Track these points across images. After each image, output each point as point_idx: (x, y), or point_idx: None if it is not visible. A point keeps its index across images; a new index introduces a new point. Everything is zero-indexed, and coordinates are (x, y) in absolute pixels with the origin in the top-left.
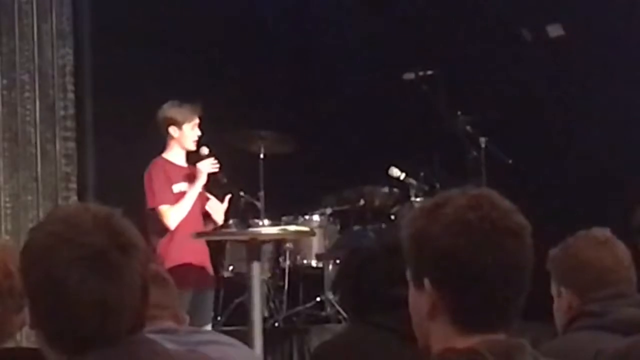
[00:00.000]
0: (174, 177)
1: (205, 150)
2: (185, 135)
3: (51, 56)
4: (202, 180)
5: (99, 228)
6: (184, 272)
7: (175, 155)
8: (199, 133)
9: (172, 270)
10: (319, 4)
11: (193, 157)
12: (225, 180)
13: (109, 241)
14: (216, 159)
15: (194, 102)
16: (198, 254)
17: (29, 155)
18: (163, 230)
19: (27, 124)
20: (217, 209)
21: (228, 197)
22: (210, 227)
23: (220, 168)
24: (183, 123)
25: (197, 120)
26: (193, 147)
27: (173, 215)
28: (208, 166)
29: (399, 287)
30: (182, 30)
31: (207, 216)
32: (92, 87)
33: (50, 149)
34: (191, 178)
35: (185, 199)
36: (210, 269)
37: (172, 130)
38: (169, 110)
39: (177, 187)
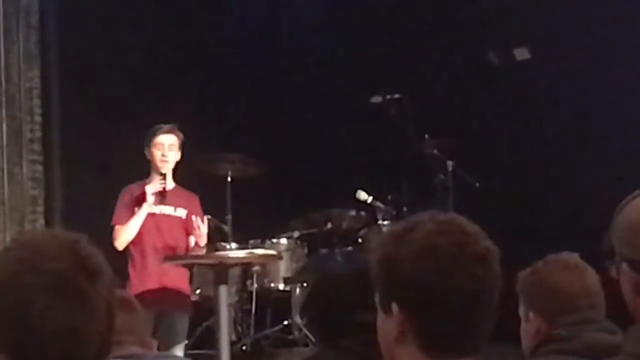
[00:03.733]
0: (140, 199)
1: (163, 170)
2: (153, 156)
3: (18, 79)
4: (148, 201)
5: (64, 254)
6: (145, 294)
7: (152, 178)
8: (165, 153)
9: (133, 292)
10: (286, 26)
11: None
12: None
13: (74, 267)
14: (164, 179)
15: (174, 123)
16: (164, 276)
17: None
18: (128, 253)
19: None
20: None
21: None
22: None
23: (163, 188)
24: (149, 144)
25: (161, 140)
26: (162, 168)
27: (119, 235)
28: (154, 186)
29: (367, 311)
30: (150, 55)
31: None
32: (59, 110)
33: (17, 172)
34: (160, 200)
35: (133, 219)
36: (179, 292)
37: (146, 152)
38: (144, 133)
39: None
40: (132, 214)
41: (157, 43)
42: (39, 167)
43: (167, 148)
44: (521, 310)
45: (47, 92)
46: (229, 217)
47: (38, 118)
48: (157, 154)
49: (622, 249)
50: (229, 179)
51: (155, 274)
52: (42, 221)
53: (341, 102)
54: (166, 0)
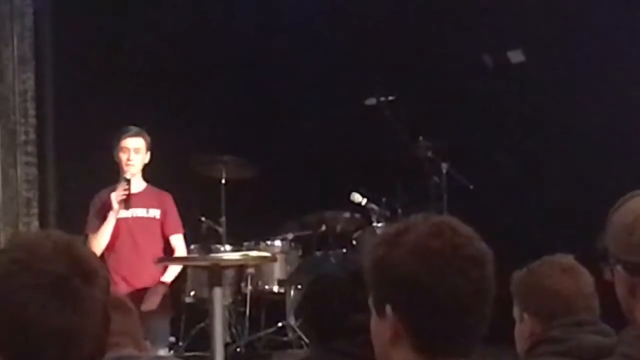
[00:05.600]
0: (109, 205)
1: (127, 176)
2: (120, 160)
3: (12, 81)
4: (114, 208)
5: (59, 255)
6: None
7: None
8: (130, 157)
9: None
10: (281, 28)
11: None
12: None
13: (69, 269)
14: (128, 184)
15: (140, 126)
16: (136, 280)
17: None
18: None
19: None
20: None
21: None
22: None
23: (128, 194)
24: (115, 148)
25: (127, 144)
26: (126, 173)
27: (92, 243)
28: (118, 193)
29: (361, 313)
30: (144, 58)
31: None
32: (53, 112)
33: (12, 174)
34: (128, 205)
35: (102, 227)
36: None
37: (115, 156)
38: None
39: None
40: (103, 220)
41: (151, 45)
42: (33, 169)
43: (132, 152)
44: (515, 312)
45: (41, 94)
46: (223, 219)
47: (32, 120)
48: (122, 157)
49: (616, 251)
50: (223, 181)
51: (129, 278)
52: (36, 223)
53: (335, 104)
54: (160, 3)
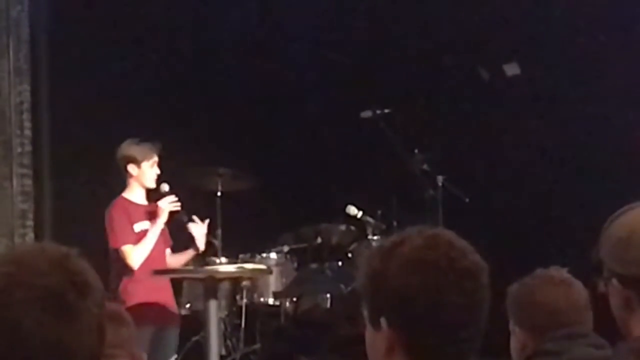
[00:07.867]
0: (134, 216)
1: (165, 187)
2: (144, 173)
3: (8, 93)
4: (163, 218)
5: (54, 269)
6: (145, 310)
7: (135, 194)
8: (158, 171)
9: (133, 308)
10: (277, 41)
11: (154, 196)
12: (186, 219)
13: (64, 283)
14: (177, 196)
15: (154, 141)
16: (160, 292)
17: None
18: (126, 269)
19: None
20: (200, 233)
21: (207, 221)
22: (191, 254)
23: (181, 206)
24: (142, 161)
25: (156, 158)
26: (153, 185)
27: (136, 255)
28: (168, 204)
29: (354, 325)
30: (140, 71)
31: (191, 241)
32: (49, 124)
33: (7, 186)
34: (152, 216)
35: (148, 237)
36: (173, 307)
37: (131, 168)
38: (128, 148)
39: (139, 227)
40: (133, 231)
41: (147, 57)
42: (29, 181)
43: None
44: (510, 324)
45: (37, 106)
46: (219, 231)
47: (28, 132)
48: (151, 171)
49: (611, 265)
50: (219, 193)
51: (154, 289)
52: (31, 235)
53: (331, 116)
54: (155, 14)
